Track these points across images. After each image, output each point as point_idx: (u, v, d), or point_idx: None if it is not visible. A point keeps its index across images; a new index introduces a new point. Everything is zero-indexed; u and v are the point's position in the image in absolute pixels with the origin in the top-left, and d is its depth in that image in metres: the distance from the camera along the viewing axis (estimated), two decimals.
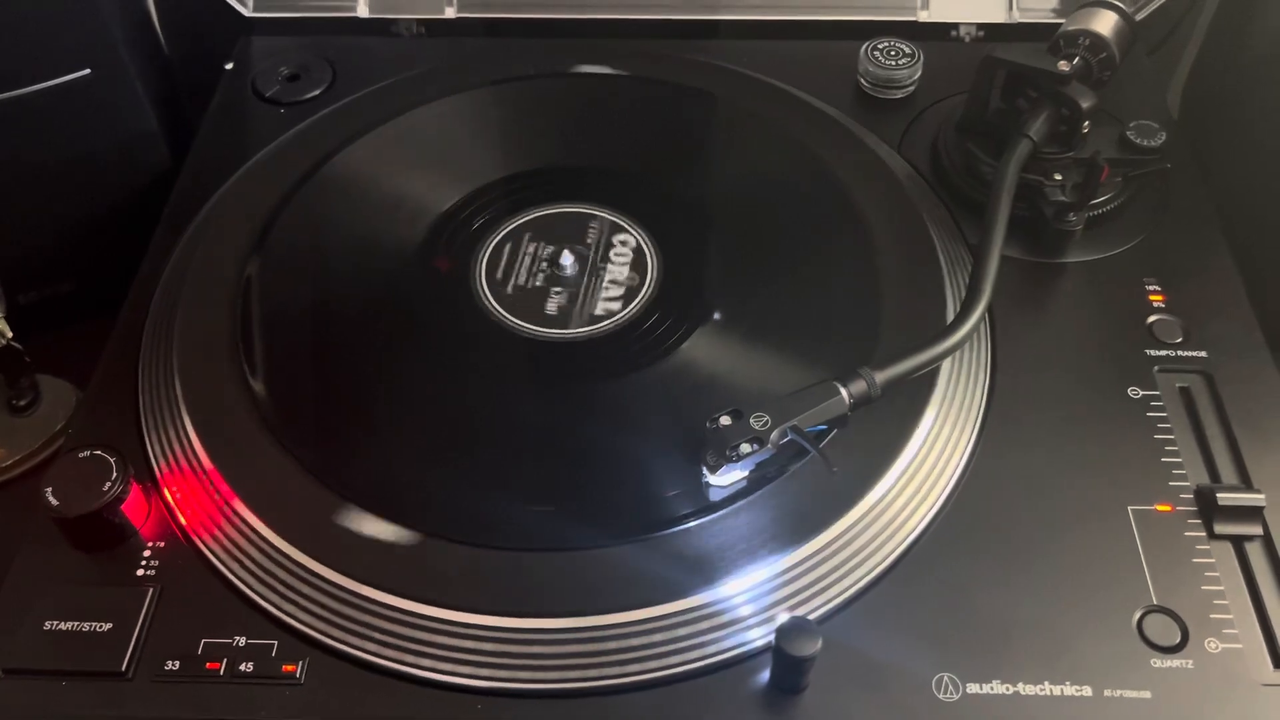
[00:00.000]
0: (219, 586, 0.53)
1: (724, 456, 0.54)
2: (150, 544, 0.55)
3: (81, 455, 0.55)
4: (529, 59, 0.79)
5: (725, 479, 0.55)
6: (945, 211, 0.69)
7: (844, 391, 0.55)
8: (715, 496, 0.55)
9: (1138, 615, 0.52)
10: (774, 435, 0.54)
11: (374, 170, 0.72)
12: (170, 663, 0.51)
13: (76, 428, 0.61)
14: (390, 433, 0.60)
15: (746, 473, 0.55)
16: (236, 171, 0.72)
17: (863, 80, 0.77)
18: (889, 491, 0.55)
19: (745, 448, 0.54)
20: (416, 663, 0.51)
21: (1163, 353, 0.62)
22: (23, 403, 0.69)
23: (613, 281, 0.66)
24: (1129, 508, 0.56)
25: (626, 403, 0.61)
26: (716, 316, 0.64)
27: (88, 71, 0.69)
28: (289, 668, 0.51)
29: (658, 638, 0.51)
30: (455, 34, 0.83)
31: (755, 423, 0.54)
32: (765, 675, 0.50)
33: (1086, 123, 0.65)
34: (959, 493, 0.56)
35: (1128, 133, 0.67)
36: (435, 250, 0.69)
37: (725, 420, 0.55)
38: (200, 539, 0.55)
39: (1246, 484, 0.56)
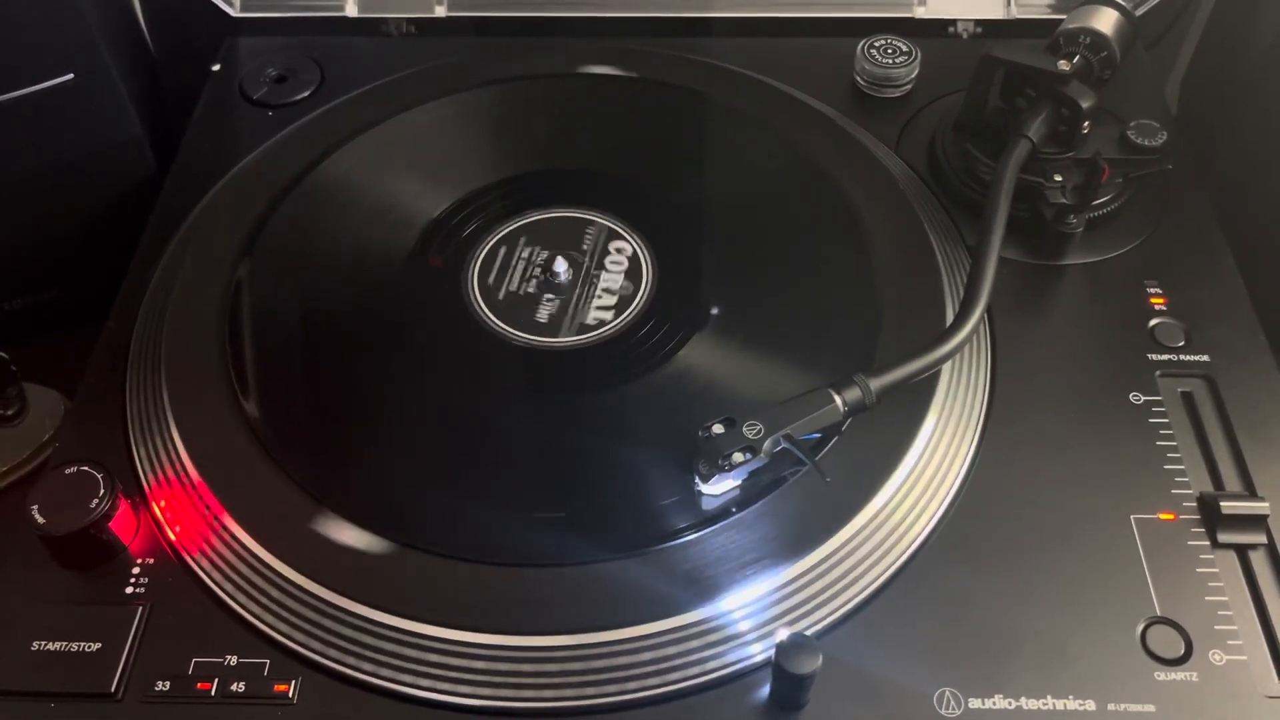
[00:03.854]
0: (210, 604, 0.53)
1: (716, 466, 0.53)
2: (139, 561, 0.54)
3: (68, 471, 0.54)
4: (521, 59, 0.78)
5: (717, 488, 0.54)
6: (943, 213, 0.68)
7: (838, 399, 0.54)
8: (708, 506, 0.54)
9: (1141, 627, 0.51)
10: (767, 444, 0.53)
11: (365, 174, 0.71)
12: (160, 683, 0.50)
13: (63, 441, 0.60)
14: (383, 445, 0.59)
15: (739, 482, 0.54)
16: (224, 176, 0.71)
17: (859, 78, 0.76)
18: (889, 502, 0.54)
19: (738, 457, 0.53)
20: (411, 682, 0.50)
21: (1164, 357, 0.61)
22: (9, 412, 0.68)
23: (606, 289, 0.65)
24: (1131, 516, 0.55)
25: (622, 412, 0.60)
26: (714, 312, 0.63)
27: (71, 76, 0.67)
28: (281, 687, 0.50)
29: (654, 655, 0.50)
30: (445, 33, 0.82)
31: (748, 431, 0.54)
32: (764, 691, 0.49)
33: (1087, 123, 0.65)
34: (959, 502, 0.56)
35: (1128, 132, 0.66)
36: (427, 257, 0.67)
37: (718, 429, 0.54)
38: (190, 555, 0.54)
39: (1250, 492, 0.56)
